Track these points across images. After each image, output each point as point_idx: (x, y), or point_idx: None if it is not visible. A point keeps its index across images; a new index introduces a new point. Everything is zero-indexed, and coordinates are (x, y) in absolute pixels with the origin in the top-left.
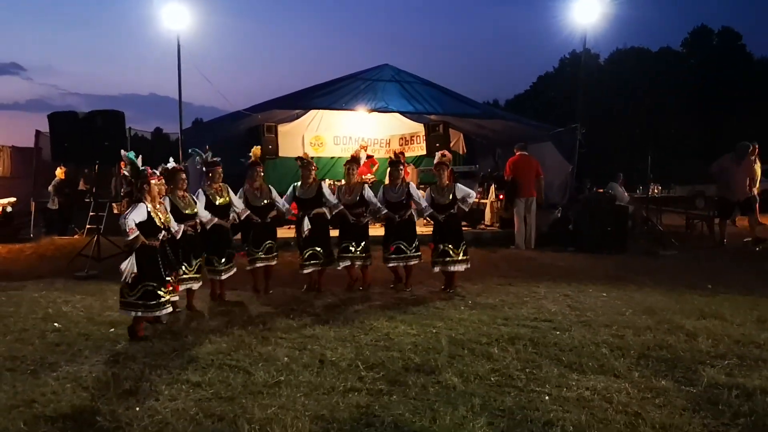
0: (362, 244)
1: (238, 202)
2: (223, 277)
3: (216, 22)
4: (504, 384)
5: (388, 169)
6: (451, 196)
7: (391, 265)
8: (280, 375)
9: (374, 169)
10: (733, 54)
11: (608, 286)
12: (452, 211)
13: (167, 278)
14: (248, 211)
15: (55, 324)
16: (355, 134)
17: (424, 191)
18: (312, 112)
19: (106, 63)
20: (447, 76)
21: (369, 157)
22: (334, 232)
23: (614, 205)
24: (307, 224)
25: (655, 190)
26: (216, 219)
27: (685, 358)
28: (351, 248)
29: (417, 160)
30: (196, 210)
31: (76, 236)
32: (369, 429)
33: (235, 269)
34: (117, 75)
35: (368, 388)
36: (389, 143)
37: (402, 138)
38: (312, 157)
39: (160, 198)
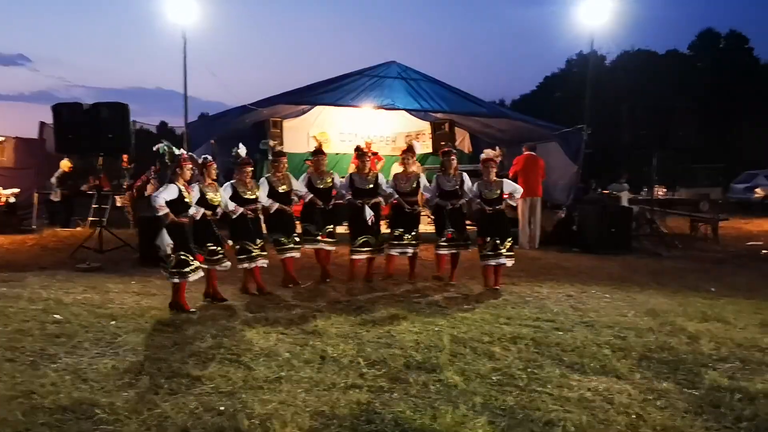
0: (414, 232)
1: (300, 186)
2: (287, 255)
3: (223, 16)
4: (505, 383)
5: (441, 158)
6: (498, 191)
7: (443, 252)
8: (280, 370)
9: (379, 166)
10: (740, 58)
11: (611, 288)
12: (499, 206)
13: (196, 250)
14: (311, 195)
15: (56, 315)
16: (360, 131)
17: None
18: (317, 108)
19: (113, 56)
20: (453, 74)
21: (374, 153)
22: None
23: (618, 206)
24: (369, 213)
25: (660, 193)
26: (278, 204)
27: (687, 360)
28: (404, 237)
29: (422, 158)
30: (257, 195)
31: (78, 228)
32: (369, 426)
33: (298, 253)
34: (123, 68)
35: (369, 385)
36: (395, 141)
37: (407, 136)
38: None
39: (211, 180)
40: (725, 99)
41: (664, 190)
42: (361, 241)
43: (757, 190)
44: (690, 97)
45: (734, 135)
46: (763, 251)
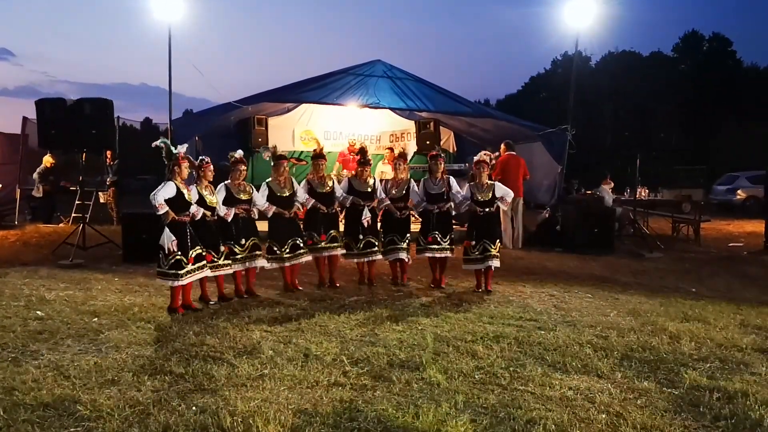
0: (407, 237)
1: (301, 193)
2: (287, 264)
3: (209, 13)
4: (488, 382)
5: (428, 162)
6: (490, 194)
7: (427, 255)
8: (264, 368)
9: None
10: (723, 60)
11: (594, 287)
12: (490, 209)
13: (197, 252)
14: (312, 200)
15: (38, 312)
16: (345, 130)
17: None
18: (303, 106)
19: (98, 51)
20: (439, 74)
21: (357, 153)
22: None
23: (602, 207)
24: (367, 215)
25: (643, 194)
26: (275, 208)
27: (668, 360)
28: (399, 242)
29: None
30: (250, 197)
31: (61, 224)
32: (352, 423)
33: (302, 259)
34: (108, 64)
35: (352, 383)
36: (379, 140)
37: (392, 135)
38: (302, 152)
39: (207, 182)
40: (708, 101)
41: (647, 190)
42: (362, 243)
43: (739, 191)
44: (673, 98)
45: (716, 137)
46: (744, 252)
